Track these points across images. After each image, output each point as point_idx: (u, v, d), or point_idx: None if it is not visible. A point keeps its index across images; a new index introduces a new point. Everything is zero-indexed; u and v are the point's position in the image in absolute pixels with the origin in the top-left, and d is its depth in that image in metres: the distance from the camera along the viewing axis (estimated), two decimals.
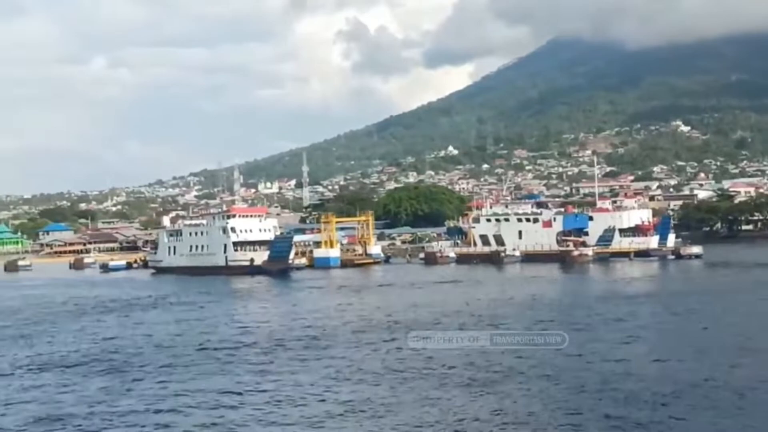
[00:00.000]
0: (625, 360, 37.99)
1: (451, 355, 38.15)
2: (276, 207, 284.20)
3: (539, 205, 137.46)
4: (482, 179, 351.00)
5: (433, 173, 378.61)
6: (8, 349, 49.46)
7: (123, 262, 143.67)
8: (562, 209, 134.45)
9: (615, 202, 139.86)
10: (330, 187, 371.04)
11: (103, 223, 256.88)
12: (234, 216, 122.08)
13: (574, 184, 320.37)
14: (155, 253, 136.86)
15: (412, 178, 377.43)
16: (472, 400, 30.64)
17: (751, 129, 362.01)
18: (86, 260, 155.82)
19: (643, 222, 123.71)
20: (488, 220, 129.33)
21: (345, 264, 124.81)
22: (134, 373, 39.80)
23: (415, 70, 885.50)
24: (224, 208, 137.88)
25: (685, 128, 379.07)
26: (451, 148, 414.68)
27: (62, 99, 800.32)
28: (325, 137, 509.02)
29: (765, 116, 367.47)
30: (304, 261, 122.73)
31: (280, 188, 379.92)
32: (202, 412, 31.01)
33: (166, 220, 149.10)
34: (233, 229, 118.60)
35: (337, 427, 28.13)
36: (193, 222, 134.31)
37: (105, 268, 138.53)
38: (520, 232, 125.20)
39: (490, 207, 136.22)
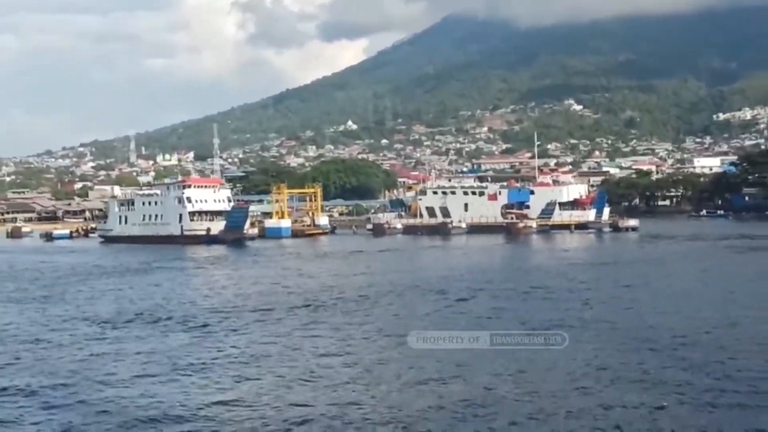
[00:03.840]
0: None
1: None
2: None
3: (481, 179, 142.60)
4: (381, 154, 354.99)
5: (332, 147, 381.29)
6: (43, 308, 50.51)
7: (66, 231, 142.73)
8: (505, 183, 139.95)
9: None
10: (230, 160, 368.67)
11: (12, 192, 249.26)
12: (189, 186, 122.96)
13: (474, 160, 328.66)
14: (105, 222, 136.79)
15: (311, 151, 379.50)
16: None
17: (639, 109, 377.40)
18: (24, 229, 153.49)
19: (581, 196, 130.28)
20: (434, 193, 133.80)
21: (296, 234, 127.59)
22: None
23: (310, 44, 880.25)
24: (179, 178, 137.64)
25: (578, 107, 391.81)
26: (350, 122, 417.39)
27: None
28: (219, 109, 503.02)
29: (651, 96, 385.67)
30: (255, 231, 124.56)
31: (179, 160, 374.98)
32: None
33: (117, 190, 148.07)
34: (189, 199, 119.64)
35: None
36: (147, 191, 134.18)
37: (48, 237, 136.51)
38: (466, 205, 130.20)
39: (435, 180, 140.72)
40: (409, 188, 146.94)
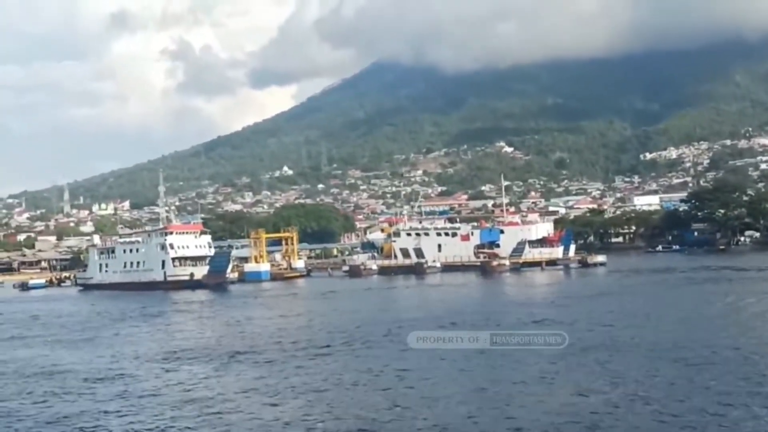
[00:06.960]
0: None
1: None
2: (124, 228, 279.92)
3: (450, 220, 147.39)
4: (318, 199, 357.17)
5: (269, 193, 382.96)
6: (99, 348, 53.30)
7: (42, 281, 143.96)
8: (476, 224, 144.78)
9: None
10: (166, 209, 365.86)
11: None
12: (171, 233, 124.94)
13: (411, 203, 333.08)
14: (83, 270, 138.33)
15: (248, 198, 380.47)
16: None
17: (569, 150, 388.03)
18: None
19: (549, 234, 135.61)
20: (408, 234, 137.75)
21: (274, 278, 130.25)
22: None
23: (240, 91, 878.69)
24: (161, 225, 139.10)
25: (509, 149, 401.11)
26: (285, 168, 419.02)
27: None
28: (148, 158, 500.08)
29: (580, 137, 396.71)
30: (236, 275, 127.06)
31: (116, 209, 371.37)
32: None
33: (96, 239, 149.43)
34: (171, 246, 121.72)
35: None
36: (127, 240, 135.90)
37: (23, 287, 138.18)
38: (439, 245, 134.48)
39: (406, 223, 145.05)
40: (381, 230, 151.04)
